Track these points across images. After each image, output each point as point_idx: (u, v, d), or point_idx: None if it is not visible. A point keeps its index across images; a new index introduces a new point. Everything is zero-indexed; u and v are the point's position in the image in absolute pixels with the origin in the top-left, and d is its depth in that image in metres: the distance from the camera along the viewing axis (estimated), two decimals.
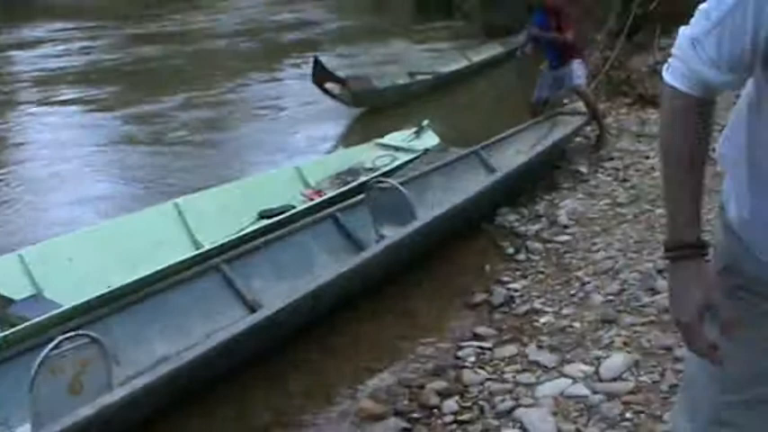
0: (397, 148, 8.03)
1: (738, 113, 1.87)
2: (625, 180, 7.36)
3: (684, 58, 1.76)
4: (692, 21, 1.75)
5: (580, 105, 8.86)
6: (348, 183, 7.20)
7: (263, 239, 5.83)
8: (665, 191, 1.88)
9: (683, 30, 1.78)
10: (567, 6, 9.46)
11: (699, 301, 1.76)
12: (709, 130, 1.84)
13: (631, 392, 4.03)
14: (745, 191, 1.82)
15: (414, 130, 8.36)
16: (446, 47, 16.03)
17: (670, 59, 1.82)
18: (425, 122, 8.43)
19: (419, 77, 12.41)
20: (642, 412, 3.86)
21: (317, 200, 6.74)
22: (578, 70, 8.80)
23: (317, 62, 10.77)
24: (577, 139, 8.59)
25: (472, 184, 6.79)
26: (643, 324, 4.71)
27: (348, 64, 14.18)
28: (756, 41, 1.61)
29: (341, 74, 11.16)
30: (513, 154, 7.68)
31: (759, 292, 1.86)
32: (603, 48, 11.27)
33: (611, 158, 8.05)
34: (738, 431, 2.02)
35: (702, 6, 1.71)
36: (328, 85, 10.84)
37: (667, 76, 1.82)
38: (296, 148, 9.77)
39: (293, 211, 6.48)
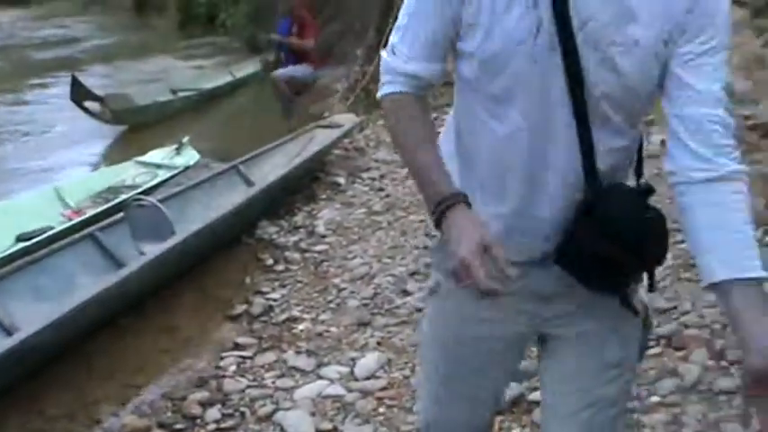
0: (158, 166, 8.04)
1: (451, 111, 2.07)
2: (381, 189, 7.66)
3: (389, 68, 1.95)
4: (390, 38, 1.97)
5: (338, 119, 9.12)
6: (109, 201, 7.11)
7: (20, 262, 5.67)
8: (414, 171, 1.93)
9: (382, 51, 2.00)
10: (308, 14, 9.81)
11: (476, 237, 1.73)
12: (430, 119, 2.00)
13: (384, 388, 4.29)
14: (457, 181, 1.95)
15: (174, 146, 8.40)
16: (210, 63, 16.08)
17: (381, 82, 1.99)
18: (186, 139, 8.49)
19: (181, 94, 12.33)
20: (394, 406, 4.12)
21: (76, 220, 6.62)
22: (295, 70, 9.31)
23: (74, 80, 10.48)
24: (336, 151, 8.84)
25: (232, 198, 6.86)
26: (396, 324, 5.00)
27: (109, 83, 13.91)
28: (436, 34, 1.88)
29: (99, 92, 10.92)
30: (273, 167, 7.79)
31: None
32: (363, 62, 11.61)
33: (369, 169, 8.34)
34: (444, 409, 2.22)
35: (396, 24, 1.95)
36: (87, 104, 10.57)
37: (381, 94, 1.98)
38: (54, 171, 9.36)
39: (52, 232, 6.34)
